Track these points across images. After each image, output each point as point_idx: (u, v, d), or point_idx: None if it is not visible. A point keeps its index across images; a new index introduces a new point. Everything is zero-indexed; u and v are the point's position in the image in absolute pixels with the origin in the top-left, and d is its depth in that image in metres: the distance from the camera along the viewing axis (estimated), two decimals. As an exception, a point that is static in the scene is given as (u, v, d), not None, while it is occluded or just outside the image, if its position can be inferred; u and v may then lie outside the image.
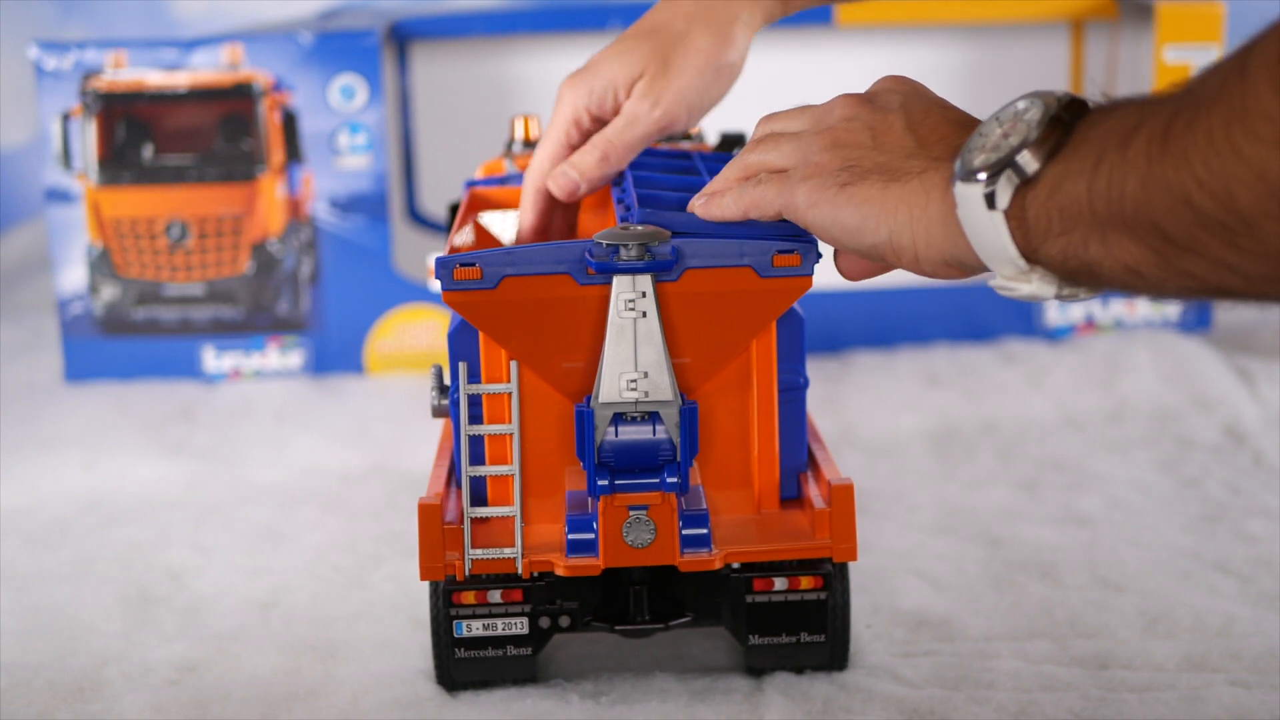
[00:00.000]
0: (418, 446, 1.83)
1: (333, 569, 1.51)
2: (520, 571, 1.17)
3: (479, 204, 1.44)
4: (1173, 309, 2.18)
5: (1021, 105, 0.94)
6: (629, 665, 1.28)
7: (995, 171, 0.92)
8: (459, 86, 2.32)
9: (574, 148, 1.34)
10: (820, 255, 1.17)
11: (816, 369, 1.99)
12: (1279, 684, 1.22)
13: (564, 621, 1.22)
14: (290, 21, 2.43)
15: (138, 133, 2.11)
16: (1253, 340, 2.14)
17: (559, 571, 1.17)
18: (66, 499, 1.73)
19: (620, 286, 1.15)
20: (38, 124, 2.11)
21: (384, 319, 2.14)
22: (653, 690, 1.24)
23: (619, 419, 1.15)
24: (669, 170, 1.37)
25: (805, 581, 1.21)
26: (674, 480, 1.15)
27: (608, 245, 1.14)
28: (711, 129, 1.83)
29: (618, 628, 1.21)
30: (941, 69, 2.35)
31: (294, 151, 2.10)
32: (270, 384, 2.11)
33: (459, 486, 1.23)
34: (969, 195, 0.93)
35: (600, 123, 1.34)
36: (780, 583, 1.21)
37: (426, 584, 1.22)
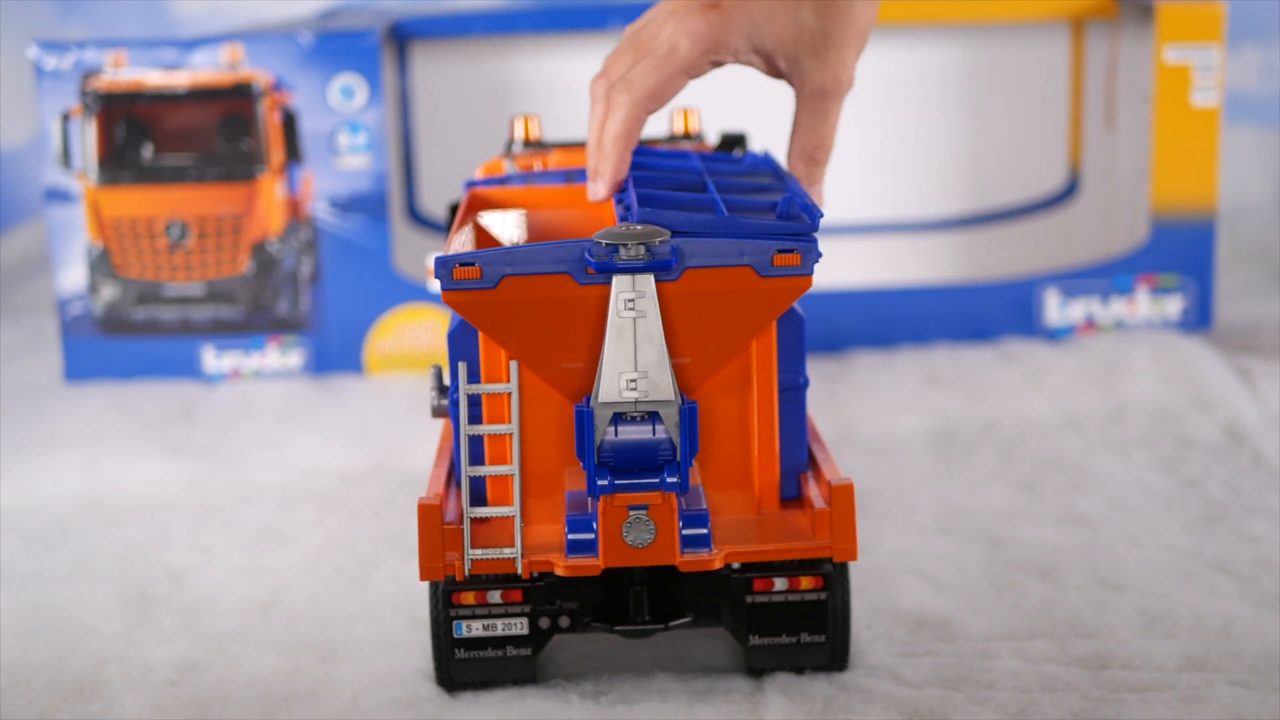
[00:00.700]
0: (417, 446, 1.83)
1: (332, 569, 1.51)
2: (520, 572, 1.17)
3: (479, 204, 1.44)
4: (1174, 308, 2.18)
5: None
6: (629, 665, 1.28)
7: None
8: (459, 86, 2.32)
9: None
10: (820, 255, 1.17)
11: (816, 369, 1.99)
12: (1279, 684, 1.22)
13: (564, 622, 1.21)
14: (290, 21, 2.43)
15: (138, 132, 2.11)
16: (1253, 340, 2.14)
17: (559, 572, 1.17)
18: (66, 499, 1.73)
19: (620, 286, 1.15)
20: (38, 124, 2.11)
21: (384, 319, 2.14)
22: (653, 690, 1.24)
23: (619, 419, 1.15)
24: (669, 170, 1.37)
25: (805, 582, 1.21)
26: (674, 480, 1.15)
27: (607, 245, 1.14)
28: (711, 129, 1.84)
29: (618, 628, 1.21)
30: (941, 69, 2.35)
31: (294, 151, 2.10)
32: (270, 384, 2.11)
33: (459, 487, 1.23)
34: None
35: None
36: (780, 583, 1.21)
37: (426, 584, 1.22)
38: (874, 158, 2.39)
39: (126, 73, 2.09)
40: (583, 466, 1.16)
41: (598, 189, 1.32)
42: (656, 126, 1.98)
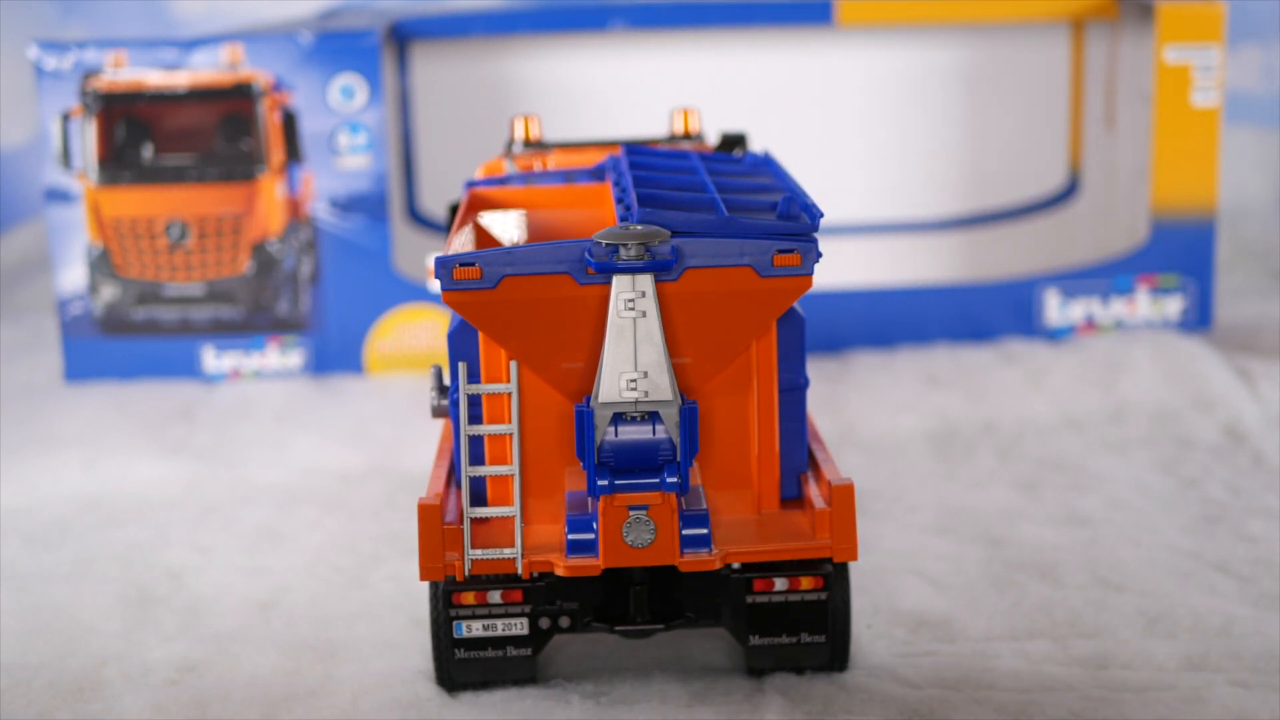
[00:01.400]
0: (417, 446, 1.83)
1: (333, 569, 1.51)
2: (520, 572, 1.17)
3: (479, 204, 1.44)
4: (1173, 308, 2.18)
5: None
6: (629, 666, 1.28)
7: None
8: (459, 86, 2.32)
9: None
10: (821, 255, 1.17)
11: (816, 369, 1.99)
12: (1279, 684, 1.22)
13: (564, 622, 1.22)
14: (290, 21, 2.43)
15: (137, 133, 2.11)
16: (1253, 340, 2.14)
17: (559, 572, 1.17)
18: (66, 499, 1.73)
19: (620, 286, 1.15)
20: (38, 124, 2.11)
21: (384, 319, 2.14)
22: (653, 691, 1.24)
23: (619, 419, 1.15)
24: (669, 170, 1.37)
25: (805, 582, 1.21)
26: (674, 480, 1.15)
27: (607, 245, 1.14)
28: (712, 129, 1.84)
29: (617, 628, 1.21)
30: (941, 69, 2.35)
31: (294, 151, 2.10)
32: (270, 384, 2.11)
33: (459, 487, 1.23)
34: None
35: None
36: (780, 583, 1.21)
37: (426, 584, 1.22)
38: (874, 158, 2.39)
39: (126, 73, 2.09)
40: (583, 466, 1.16)
41: None
42: (656, 126, 1.98)
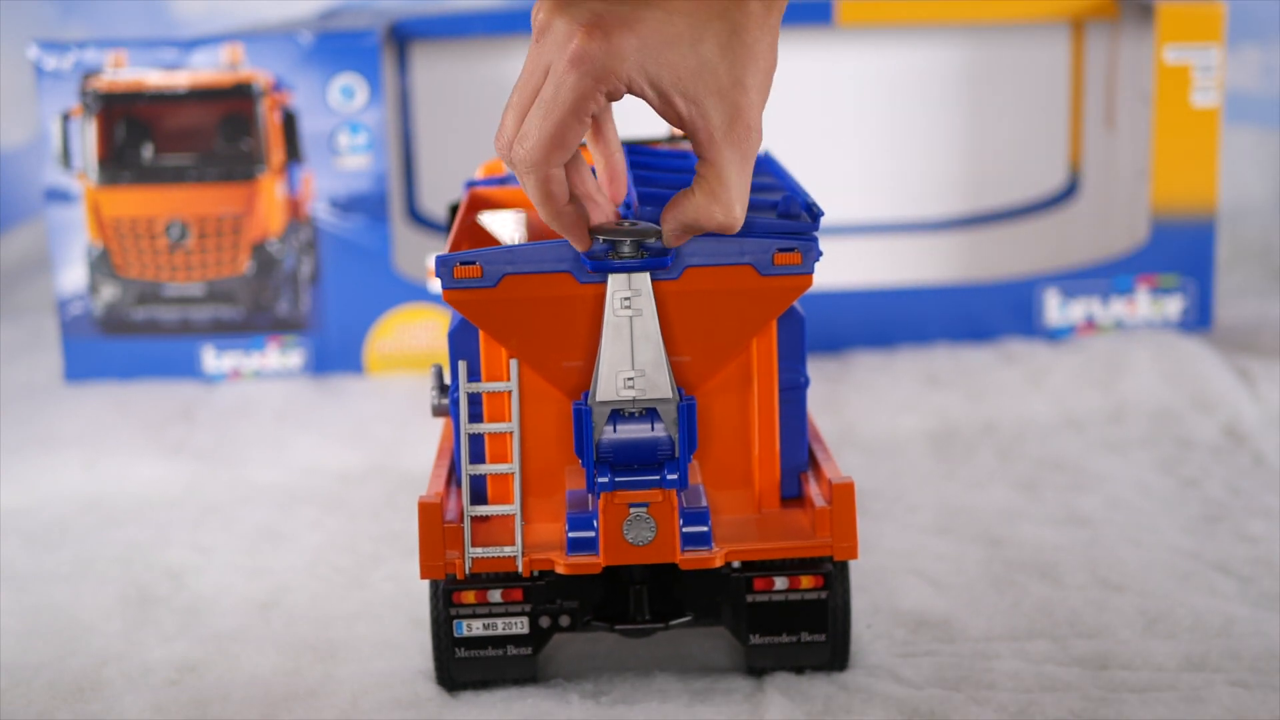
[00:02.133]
0: (417, 446, 1.83)
1: (333, 569, 1.51)
2: (520, 570, 1.17)
3: (479, 204, 1.44)
4: (1174, 308, 2.18)
5: None
6: (629, 665, 1.28)
7: None
8: (459, 86, 2.32)
9: None
10: (821, 253, 1.17)
11: (816, 369, 1.99)
12: (1279, 684, 1.22)
13: (564, 621, 1.21)
14: (290, 21, 2.43)
15: (138, 133, 2.11)
16: (1253, 340, 2.14)
17: (559, 570, 1.17)
18: (66, 499, 1.73)
19: (615, 285, 1.15)
20: (38, 124, 2.11)
21: (384, 319, 2.14)
22: (653, 690, 1.24)
23: (617, 416, 1.15)
24: (669, 169, 1.37)
25: (806, 581, 1.21)
26: (674, 477, 1.15)
27: (603, 243, 1.14)
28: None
29: (618, 627, 1.21)
30: (941, 69, 2.35)
31: (294, 151, 2.10)
32: (270, 384, 2.11)
33: (459, 485, 1.23)
34: None
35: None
36: (781, 582, 1.21)
37: (426, 583, 1.22)
38: (874, 158, 2.39)
39: (126, 73, 2.09)
40: (582, 465, 1.16)
41: (575, 243, 1.15)
42: (657, 126, 1.98)
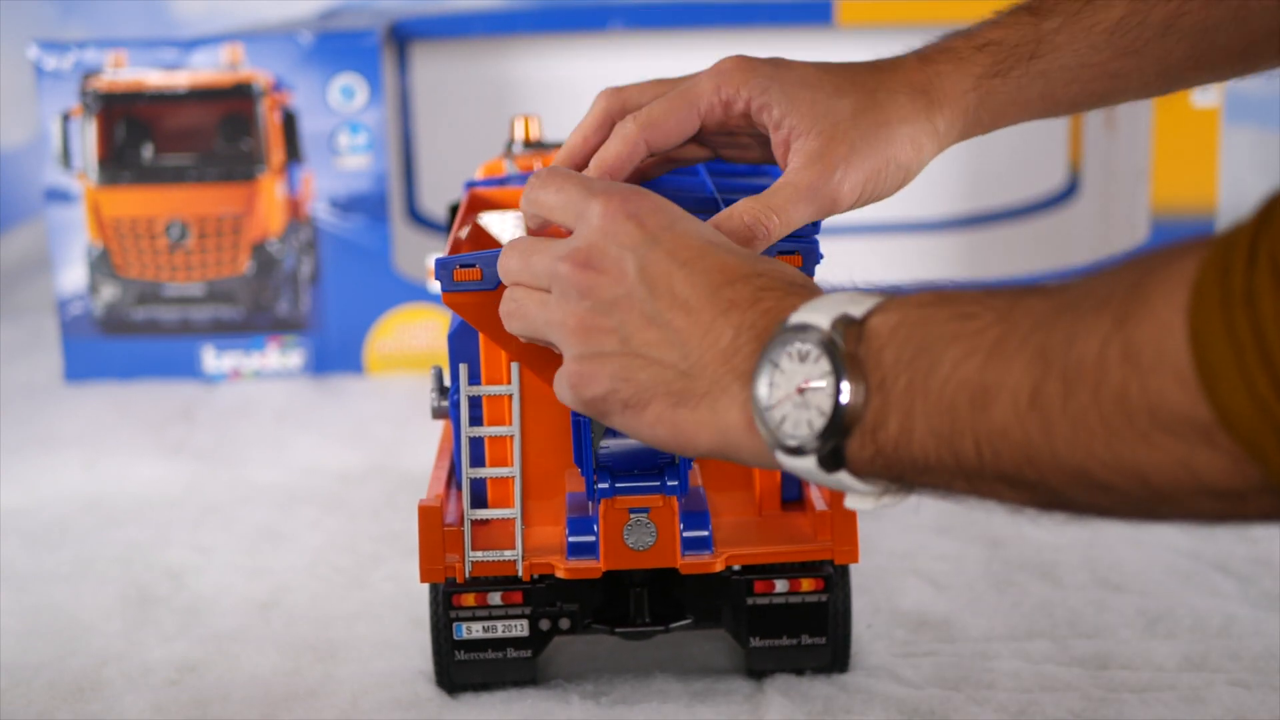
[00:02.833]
0: (417, 446, 1.83)
1: (333, 569, 1.51)
2: (520, 574, 1.17)
3: (479, 204, 1.44)
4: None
5: (801, 345, 0.86)
6: (629, 667, 1.28)
7: (812, 450, 0.85)
8: (459, 86, 2.32)
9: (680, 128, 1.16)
10: (822, 256, 1.17)
11: (816, 369, 1.99)
12: (1279, 684, 1.22)
13: (564, 624, 1.21)
14: (290, 21, 2.43)
15: (138, 133, 2.11)
16: (1253, 340, 2.14)
17: (559, 574, 1.17)
18: (66, 499, 1.73)
19: None
20: (38, 124, 2.11)
21: (384, 319, 2.14)
22: (653, 691, 1.24)
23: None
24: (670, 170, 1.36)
25: (806, 583, 1.21)
26: (674, 483, 1.15)
27: None
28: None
29: (618, 630, 1.21)
30: (941, 69, 2.35)
31: (294, 151, 2.10)
32: (270, 384, 2.11)
33: (459, 488, 1.22)
34: (795, 466, 0.87)
35: (723, 127, 1.17)
36: (781, 585, 1.21)
37: (426, 585, 1.22)
38: (874, 157, 2.39)
39: (126, 73, 2.09)
40: (581, 473, 1.16)
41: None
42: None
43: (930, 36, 1.26)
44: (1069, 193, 2.38)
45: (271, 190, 2.10)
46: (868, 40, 2.35)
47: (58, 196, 2.12)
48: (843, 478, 0.86)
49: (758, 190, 1.31)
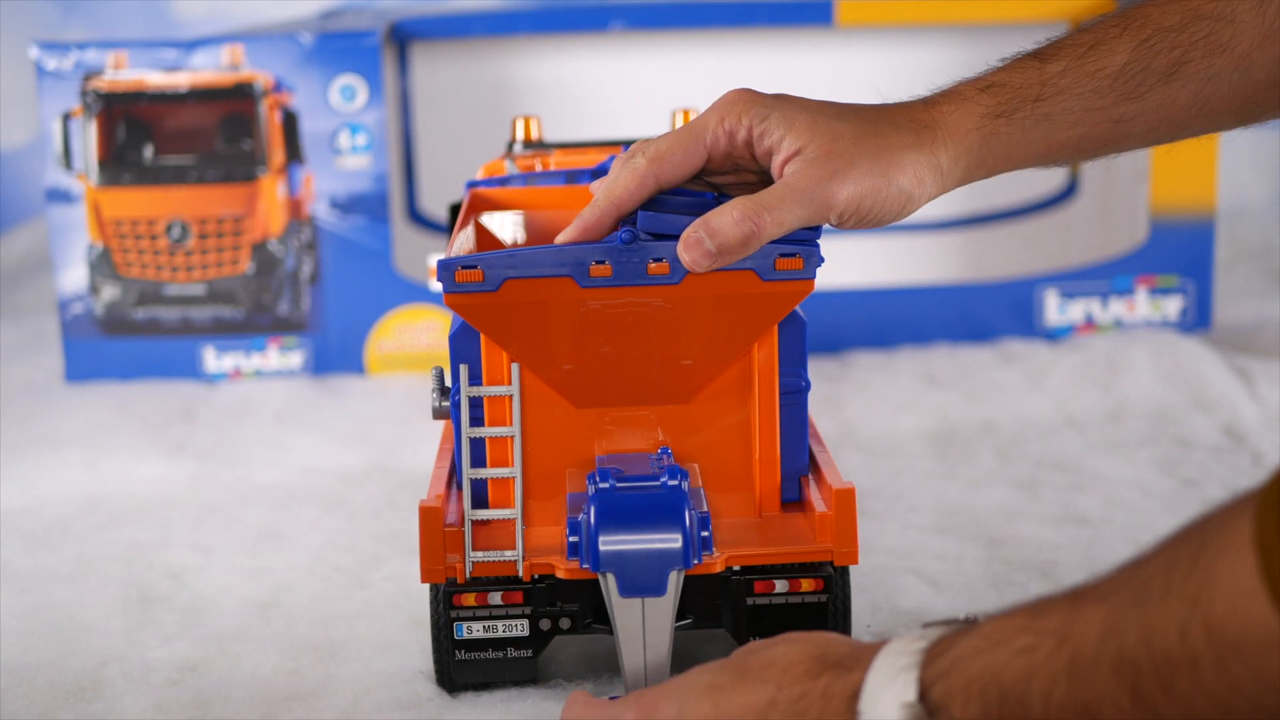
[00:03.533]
0: (418, 446, 1.83)
1: (333, 569, 1.51)
2: (521, 574, 1.17)
3: (480, 205, 1.44)
4: (1173, 308, 2.18)
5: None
6: (629, 666, 1.28)
7: None
8: (459, 86, 2.32)
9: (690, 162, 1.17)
10: (823, 259, 1.17)
11: (816, 369, 1.99)
12: (1278, 685, 1.22)
13: (564, 624, 1.22)
14: (290, 22, 2.43)
15: (138, 133, 2.11)
16: (1253, 340, 2.14)
17: (560, 574, 1.17)
18: (66, 499, 1.73)
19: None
20: (38, 124, 2.11)
21: (384, 319, 2.14)
22: (653, 691, 1.24)
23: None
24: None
25: (806, 584, 1.21)
26: (674, 484, 1.15)
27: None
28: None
29: (618, 629, 1.21)
30: (941, 69, 2.35)
31: (294, 152, 2.11)
32: (270, 384, 2.11)
33: (459, 489, 1.23)
34: None
35: (729, 158, 1.18)
36: (781, 585, 1.21)
37: (427, 585, 1.22)
38: (874, 158, 2.39)
39: (127, 73, 2.10)
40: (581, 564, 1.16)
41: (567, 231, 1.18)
42: (657, 126, 1.98)
43: (930, 39, 1.25)
44: (1068, 193, 2.38)
45: (272, 190, 2.11)
46: (868, 40, 2.35)
47: (58, 197, 2.12)
48: None
49: None
